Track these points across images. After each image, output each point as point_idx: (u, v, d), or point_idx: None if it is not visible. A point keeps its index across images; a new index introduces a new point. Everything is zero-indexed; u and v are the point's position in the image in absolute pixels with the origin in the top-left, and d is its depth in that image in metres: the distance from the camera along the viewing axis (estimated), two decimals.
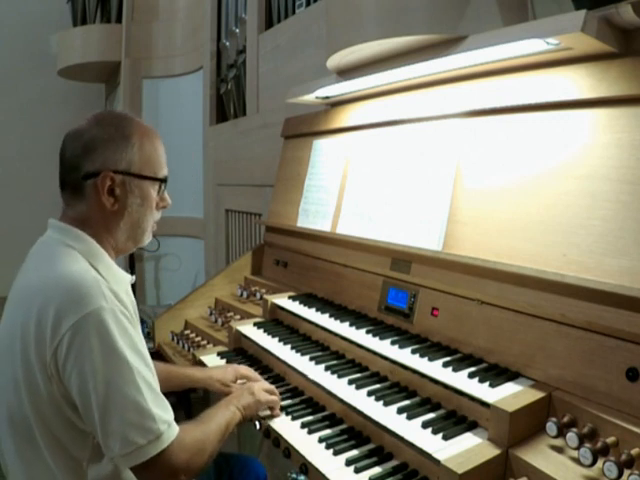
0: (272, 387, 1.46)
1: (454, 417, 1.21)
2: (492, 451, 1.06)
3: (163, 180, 1.30)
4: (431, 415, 1.22)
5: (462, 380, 1.22)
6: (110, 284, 1.13)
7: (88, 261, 1.16)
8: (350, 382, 1.39)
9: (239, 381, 1.60)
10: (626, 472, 0.91)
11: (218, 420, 1.24)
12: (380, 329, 1.57)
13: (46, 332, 1.04)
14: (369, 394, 1.32)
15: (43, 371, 1.05)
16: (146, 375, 1.08)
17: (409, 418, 1.21)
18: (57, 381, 1.05)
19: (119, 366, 1.04)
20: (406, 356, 1.38)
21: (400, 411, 1.23)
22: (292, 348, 1.65)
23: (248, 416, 1.34)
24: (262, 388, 1.42)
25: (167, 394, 1.25)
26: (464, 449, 1.06)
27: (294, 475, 1.69)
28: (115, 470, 1.13)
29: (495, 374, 1.23)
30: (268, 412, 1.40)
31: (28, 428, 1.09)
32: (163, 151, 1.31)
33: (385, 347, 1.44)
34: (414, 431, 1.16)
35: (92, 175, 1.18)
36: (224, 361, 1.79)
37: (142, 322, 4.20)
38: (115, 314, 1.07)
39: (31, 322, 1.06)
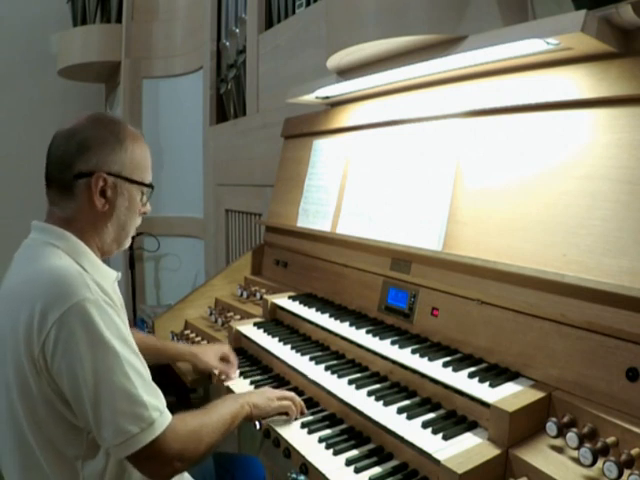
0: (291, 394, 1.41)
1: (454, 417, 1.21)
2: (492, 451, 1.06)
3: (150, 186, 1.32)
4: (431, 415, 1.22)
5: (462, 380, 1.23)
6: (95, 278, 1.14)
7: (72, 258, 1.17)
8: (350, 382, 1.39)
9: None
10: (626, 472, 0.91)
11: (222, 412, 1.24)
12: (380, 329, 1.57)
13: (33, 328, 1.05)
14: (369, 394, 1.32)
15: (33, 368, 1.06)
16: (135, 363, 1.09)
17: (409, 418, 1.21)
18: (47, 376, 1.06)
19: (106, 356, 1.05)
20: (406, 356, 1.38)
21: (400, 411, 1.23)
22: (292, 348, 1.65)
23: (256, 415, 1.33)
24: (279, 393, 1.40)
25: (166, 394, 1.26)
26: (464, 449, 1.06)
27: (294, 475, 1.68)
28: (108, 464, 1.14)
29: (495, 374, 1.24)
30: (283, 417, 1.37)
31: (20, 430, 1.09)
32: (150, 159, 1.33)
33: (385, 347, 1.44)
34: (414, 431, 1.16)
35: (85, 175, 1.19)
36: None
37: (142, 322, 4.21)
38: (99, 304, 1.07)
39: (19, 322, 1.07)
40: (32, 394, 1.07)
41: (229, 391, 1.57)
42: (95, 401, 1.04)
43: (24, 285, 1.11)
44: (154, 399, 1.09)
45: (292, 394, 1.41)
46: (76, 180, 1.20)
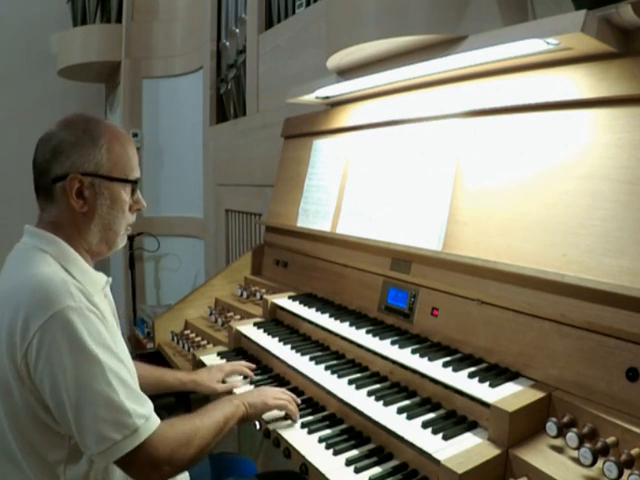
0: (289, 394, 1.42)
1: (454, 417, 1.21)
2: (492, 451, 1.06)
3: (134, 182, 1.29)
4: (431, 415, 1.22)
5: (462, 380, 1.22)
6: (83, 285, 1.13)
7: (60, 264, 1.16)
8: (350, 382, 1.39)
9: (228, 379, 1.63)
10: (626, 472, 0.91)
11: (215, 415, 1.24)
12: (380, 329, 1.57)
13: (16, 336, 1.04)
14: (369, 394, 1.32)
15: (16, 375, 1.06)
16: (118, 370, 1.08)
17: (409, 418, 1.21)
18: (30, 384, 1.06)
19: (88, 364, 1.05)
20: (406, 356, 1.38)
21: (400, 411, 1.23)
22: (292, 348, 1.65)
23: (252, 414, 1.32)
24: (275, 392, 1.40)
25: (165, 394, 1.26)
26: (464, 449, 1.06)
27: None
28: (91, 469, 1.14)
29: (495, 374, 1.23)
30: (281, 414, 1.37)
31: (2, 434, 1.09)
32: (134, 153, 1.30)
33: (385, 347, 1.44)
34: (414, 431, 1.16)
35: (61, 178, 1.19)
36: (224, 361, 1.79)
37: (142, 322, 4.21)
38: (82, 312, 1.07)
39: (3, 328, 1.06)
40: (14, 399, 1.07)
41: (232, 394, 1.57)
42: (77, 409, 1.03)
43: (10, 291, 1.11)
44: (138, 406, 1.09)
45: (288, 392, 1.42)
46: (54, 185, 1.20)
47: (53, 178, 1.19)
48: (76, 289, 1.09)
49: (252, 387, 1.58)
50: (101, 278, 1.28)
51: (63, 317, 1.04)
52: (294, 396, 1.42)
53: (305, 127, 2.31)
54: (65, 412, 1.04)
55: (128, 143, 1.28)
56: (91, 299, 1.12)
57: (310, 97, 2.13)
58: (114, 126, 1.28)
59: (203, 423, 1.20)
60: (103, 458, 1.05)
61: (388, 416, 1.23)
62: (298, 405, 1.40)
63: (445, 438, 1.12)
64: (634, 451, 0.93)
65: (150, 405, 1.13)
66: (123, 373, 1.09)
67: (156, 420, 1.11)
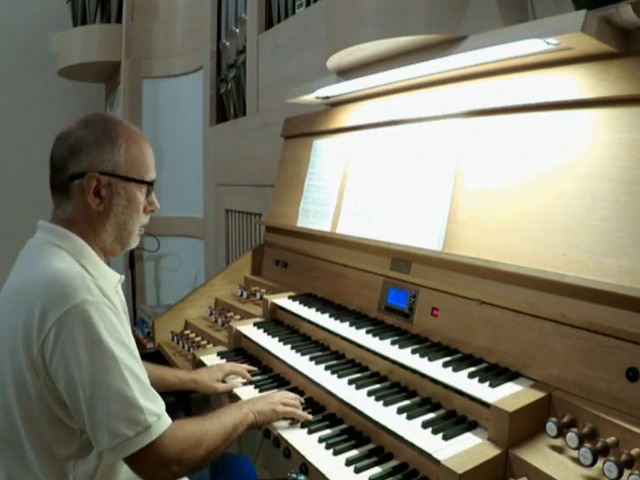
0: (294, 395, 1.42)
1: (454, 417, 1.21)
2: (492, 451, 1.06)
3: (150, 183, 1.31)
4: (431, 415, 1.22)
5: (462, 380, 1.22)
6: (97, 281, 1.14)
7: (76, 259, 1.18)
8: (350, 382, 1.39)
9: (228, 379, 1.64)
10: (626, 472, 0.91)
11: (224, 420, 1.24)
12: (380, 329, 1.57)
13: (33, 329, 1.05)
14: (369, 394, 1.32)
15: (31, 368, 1.06)
16: (133, 367, 1.09)
17: (409, 418, 1.21)
18: (45, 376, 1.06)
19: (104, 358, 1.05)
20: (406, 356, 1.38)
21: (400, 411, 1.23)
22: (292, 348, 1.65)
23: (261, 422, 1.32)
24: (282, 397, 1.39)
25: (165, 394, 1.26)
26: (464, 449, 1.06)
27: (294, 475, 1.69)
28: (100, 464, 1.14)
29: (495, 374, 1.23)
30: (286, 423, 1.35)
31: (14, 428, 1.10)
32: (151, 155, 1.31)
33: (385, 347, 1.44)
34: (414, 431, 1.16)
35: (78, 176, 1.20)
36: (224, 361, 1.79)
37: (142, 322, 4.21)
38: (100, 307, 1.07)
39: (19, 321, 1.07)
40: (28, 393, 1.07)
41: (233, 396, 1.57)
42: (91, 403, 1.04)
43: (25, 285, 1.12)
44: (151, 404, 1.09)
45: (295, 396, 1.42)
46: (71, 182, 1.21)
47: (70, 175, 1.20)
48: (93, 284, 1.10)
49: (252, 387, 1.59)
50: (114, 276, 1.30)
51: (81, 310, 1.05)
52: (300, 397, 1.42)
53: (305, 127, 2.31)
54: (79, 405, 1.05)
55: (145, 145, 1.30)
56: (106, 294, 1.13)
57: (310, 97, 2.13)
58: (132, 127, 1.29)
59: (212, 426, 1.20)
60: (113, 454, 1.05)
61: (388, 416, 1.23)
62: (302, 403, 1.41)
63: (445, 438, 1.12)
64: (634, 451, 0.93)
65: (162, 404, 1.13)
66: (137, 370, 1.10)
67: (167, 419, 1.12)
